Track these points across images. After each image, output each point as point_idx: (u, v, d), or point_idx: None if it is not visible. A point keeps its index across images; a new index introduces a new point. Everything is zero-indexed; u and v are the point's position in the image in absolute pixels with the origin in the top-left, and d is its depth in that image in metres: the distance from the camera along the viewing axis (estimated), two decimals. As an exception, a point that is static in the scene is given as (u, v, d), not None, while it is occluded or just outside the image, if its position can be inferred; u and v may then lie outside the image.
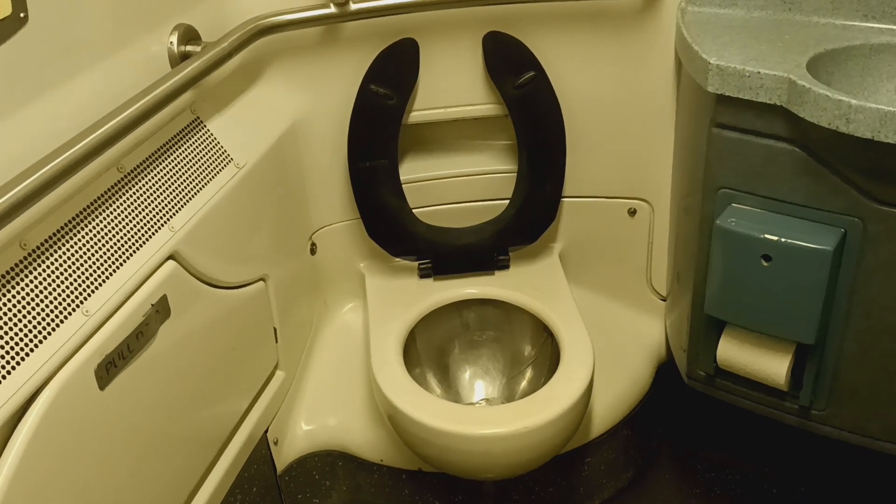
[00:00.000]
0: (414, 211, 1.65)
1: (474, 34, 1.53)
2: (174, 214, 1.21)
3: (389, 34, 1.52)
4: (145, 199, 1.18)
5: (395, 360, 1.47)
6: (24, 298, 0.97)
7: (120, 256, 1.11)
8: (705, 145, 1.37)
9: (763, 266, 1.32)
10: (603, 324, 1.74)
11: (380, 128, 1.57)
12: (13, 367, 0.93)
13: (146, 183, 1.20)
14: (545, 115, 1.57)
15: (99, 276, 1.07)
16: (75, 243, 1.06)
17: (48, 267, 1.01)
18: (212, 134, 1.35)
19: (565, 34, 1.53)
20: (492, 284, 1.65)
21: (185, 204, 1.24)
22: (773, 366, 1.40)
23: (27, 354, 0.95)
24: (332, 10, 1.43)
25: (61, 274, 1.02)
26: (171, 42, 1.30)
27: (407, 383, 1.42)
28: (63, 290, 1.02)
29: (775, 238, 1.30)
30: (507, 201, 1.66)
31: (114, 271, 1.09)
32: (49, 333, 0.98)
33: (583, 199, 1.72)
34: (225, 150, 1.35)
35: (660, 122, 1.59)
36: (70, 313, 1.01)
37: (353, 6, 1.44)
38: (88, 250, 1.07)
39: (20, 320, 0.96)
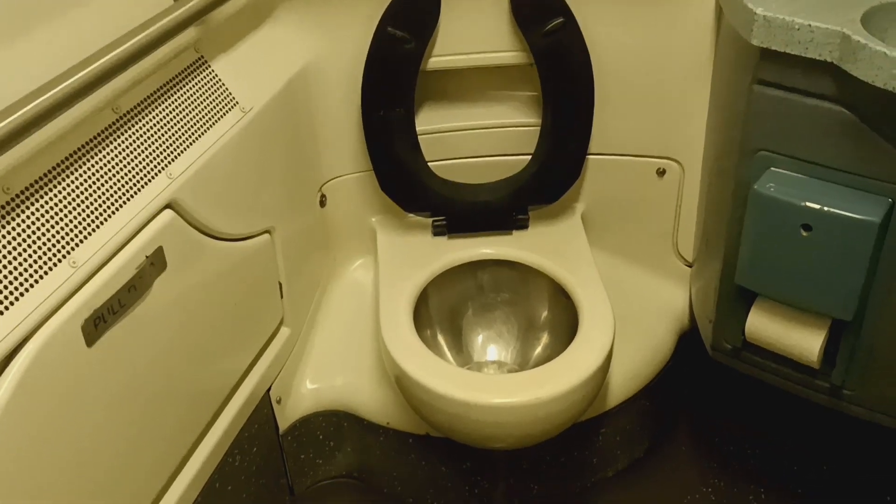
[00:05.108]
0: (430, 164, 1.59)
1: (500, -25, 1.45)
2: (173, 160, 1.15)
3: (409, -27, 1.44)
4: (142, 143, 1.12)
5: (405, 320, 1.42)
6: (5, 247, 0.91)
7: (112, 204, 1.04)
8: (744, 103, 1.30)
9: (802, 236, 1.26)
10: (624, 289, 1.69)
11: (396, 74, 1.50)
12: (-8, 321, 0.87)
13: (144, 125, 1.13)
14: (573, 66, 1.49)
15: (88, 225, 1.00)
16: (63, 188, 0.99)
17: (33, 213, 0.95)
18: (217, 75, 1.28)
19: (598, -21, 1.45)
20: (509, 245, 1.60)
21: (185, 149, 1.17)
22: (806, 342, 1.34)
23: (6, 308, 0.89)
24: (349, -56, 1.35)
25: (47, 221, 0.96)
26: (175, -27, 1.22)
27: (416, 346, 1.37)
28: (48, 239, 0.95)
29: (817, 206, 1.23)
30: (529, 157, 1.60)
31: (105, 220, 1.03)
32: (32, 285, 0.92)
33: (609, 157, 1.65)
34: (230, 93, 1.29)
35: (695, 76, 1.51)
36: (55, 264, 0.95)
37: (372, -59, 1.35)
38: (77, 196, 1.00)
39: (0, 270, 0.90)
